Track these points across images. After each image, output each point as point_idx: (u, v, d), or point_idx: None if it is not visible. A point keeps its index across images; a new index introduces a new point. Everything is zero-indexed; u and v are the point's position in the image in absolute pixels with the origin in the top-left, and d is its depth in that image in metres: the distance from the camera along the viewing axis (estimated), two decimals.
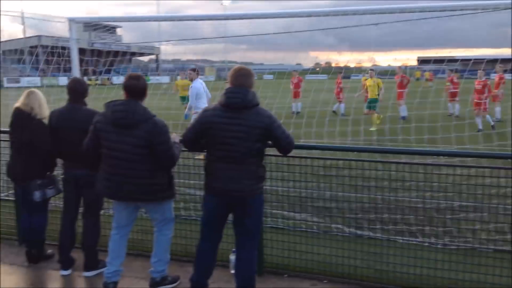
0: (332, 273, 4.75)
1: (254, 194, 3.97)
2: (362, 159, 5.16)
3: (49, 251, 5.29)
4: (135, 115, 4.01)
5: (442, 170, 4.89)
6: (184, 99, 16.63)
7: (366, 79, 28.07)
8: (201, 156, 4.54)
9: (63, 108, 4.84)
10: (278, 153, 4.21)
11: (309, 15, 6.85)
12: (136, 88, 4.13)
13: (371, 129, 14.82)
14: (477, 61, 16.73)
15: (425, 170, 4.74)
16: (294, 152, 4.33)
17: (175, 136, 4.37)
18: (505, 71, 19.62)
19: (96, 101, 5.04)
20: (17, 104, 4.96)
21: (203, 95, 11.01)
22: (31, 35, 65.88)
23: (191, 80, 11.44)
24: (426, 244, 5.23)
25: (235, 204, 4.01)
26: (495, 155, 5.36)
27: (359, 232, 5.57)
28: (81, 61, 7.96)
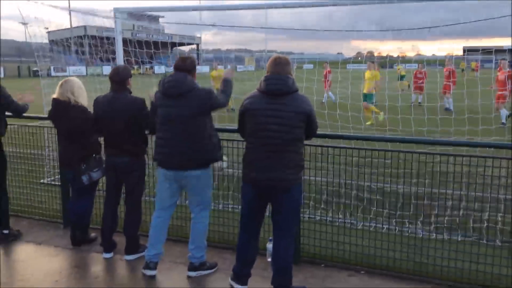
0: (369, 264, 4.71)
1: (292, 184, 3.93)
2: (400, 150, 5.06)
3: (92, 234, 5.46)
4: (184, 83, 4.27)
5: (488, 163, 4.74)
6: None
7: (399, 69, 27.32)
8: None
9: (106, 96, 4.93)
10: (314, 144, 4.17)
11: (353, 3, 6.73)
12: (183, 65, 4.41)
13: (368, 123, 14.09)
14: None
15: (468, 163, 4.61)
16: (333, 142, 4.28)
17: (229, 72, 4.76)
18: None
19: (136, 92, 5.10)
20: (54, 94, 5.09)
21: None
22: (77, 25, 67.63)
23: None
24: (470, 239, 5.10)
25: (274, 194, 3.98)
26: None
27: (398, 227, 5.48)
28: (124, 51, 8.09)
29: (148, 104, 4.69)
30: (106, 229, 5.08)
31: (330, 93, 21.92)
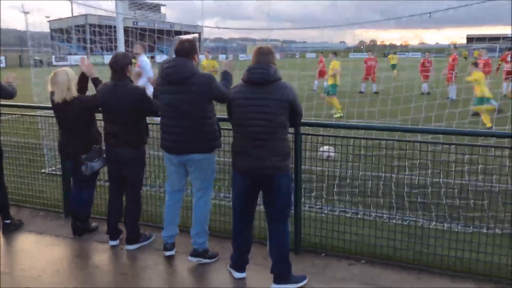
0: (370, 253, 4.71)
1: (280, 171, 3.99)
2: (401, 139, 5.05)
3: (93, 224, 5.47)
4: (184, 69, 4.23)
5: (489, 152, 4.73)
6: None
7: (390, 58, 27.58)
8: None
9: (107, 86, 4.90)
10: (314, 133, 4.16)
11: None
12: (182, 49, 4.33)
13: (335, 115, 13.97)
14: None
15: (470, 152, 4.59)
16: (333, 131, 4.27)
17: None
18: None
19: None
20: (49, 88, 5.02)
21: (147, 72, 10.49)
22: (78, 14, 67.42)
23: (137, 55, 11.21)
24: (470, 228, 5.10)
25: (263, 182, 4.05)
26: None
27: (398, 215, 5.48)
28: (126, 39, 8.06)
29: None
30: (111, 217, 5.10)
31: (316, 82, 22.44)
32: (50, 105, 5.15)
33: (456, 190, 5.57)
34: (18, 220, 5.69)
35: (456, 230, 5.03)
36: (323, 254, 4.80)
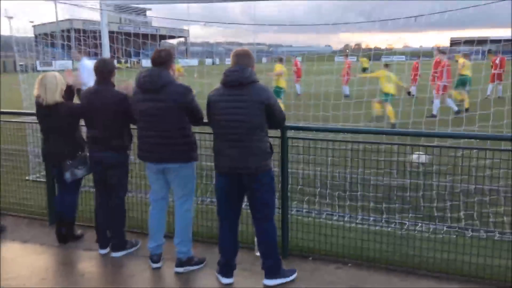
0: (357, 256, 4.72)
1: (260, 171, 4.05)
2: (389, 143, 5.08)
3: (79, 231, 5.41)
4: (159, 78, 4.23)
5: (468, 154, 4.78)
6: None
7: (362, 61, 28.05)
8: None
9: (90, 90, 4.89)
10: (304, 137, 4.18)
11: None
12: (158, 58, 4.35)
13: None
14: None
15: (453, 154, 4.64)
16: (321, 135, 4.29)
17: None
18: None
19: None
20: (35, 92, 4.97)
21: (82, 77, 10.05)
22: (63, 18, 66.81)
23: (76, 60, 11.06)
24: (456, 229, 5.15)
25: (245, 182, 4.11)
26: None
27: (384, 217, 5.51)
28: (111, 45, 8.01)
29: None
30: (99, 224, 5.05)
31: (297, 85, 22.70)
32: (36, 110, 5.08)
33: (438, 192, 5.61)
34: (2, 225, 5.63)
35: (442, 232, 5.07)
36: (310, 258, 4.81)
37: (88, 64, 10.99)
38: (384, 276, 4.44)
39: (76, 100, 5.15)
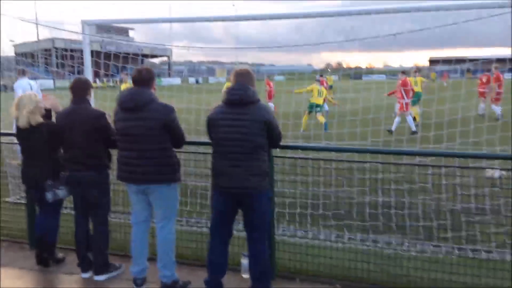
0: (344, 276, 4.67)
1: (259, 191, 4.04)
2: (373, 161, 5.10)
3: (60, 254, 5.27)
4: (140, 96, 4.20)
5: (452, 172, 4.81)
6: None
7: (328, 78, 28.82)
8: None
9: (66, 109, 4.81)
10: (290, 155, 4.18)
11: (321, 15, 6.78)
12: (139, 77, 4.32)
13: None
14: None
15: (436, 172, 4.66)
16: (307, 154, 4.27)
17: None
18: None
19: (105, 103, 5.01)
20: (13, 113, 4.90)
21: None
22: (44, 38, 66.55)
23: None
24: (443, 248, 5.14)
25: (242, 201, 4.09)
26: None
27: (371, 236, 5.49)
28: (93, 63, 7.95)
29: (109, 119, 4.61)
30: (80, 247, 4.91)
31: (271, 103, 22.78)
32: (12, 131, 4.99)
33: (424, 211, 5.62)
34: None
35: (428, 251, 5.06)
36: (297, 279, 4.75)
37: (23, 84, 11.04)
38: None
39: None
